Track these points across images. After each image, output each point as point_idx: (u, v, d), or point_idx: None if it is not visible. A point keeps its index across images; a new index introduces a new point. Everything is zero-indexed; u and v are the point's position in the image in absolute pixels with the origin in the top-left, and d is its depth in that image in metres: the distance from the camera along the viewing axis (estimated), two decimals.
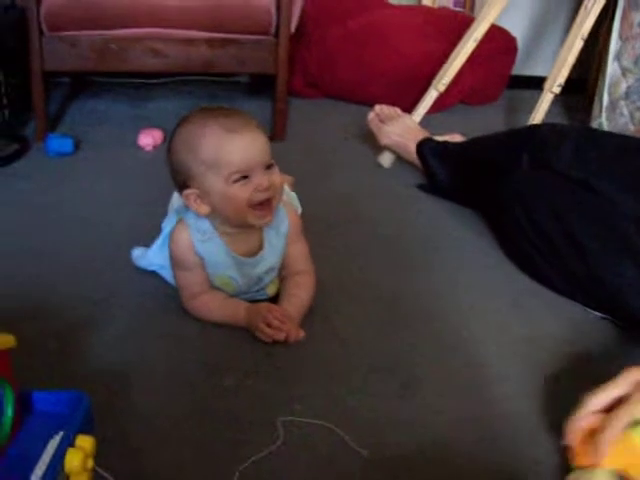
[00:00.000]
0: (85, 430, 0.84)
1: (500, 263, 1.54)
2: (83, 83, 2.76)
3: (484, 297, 1.40)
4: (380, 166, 2.08)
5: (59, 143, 2.05)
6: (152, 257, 1.38)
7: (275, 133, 2.23)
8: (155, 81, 2.82)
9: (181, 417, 1.02)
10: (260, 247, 1.25)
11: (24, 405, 0.87)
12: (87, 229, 1.59)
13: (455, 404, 1.08)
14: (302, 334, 1.19)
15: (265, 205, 1.16)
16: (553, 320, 1.33)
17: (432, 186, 1.89)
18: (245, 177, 1.13)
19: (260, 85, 2.77)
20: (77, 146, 2.09)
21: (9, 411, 0.81)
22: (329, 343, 1.21)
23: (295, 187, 1.63)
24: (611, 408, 0.91)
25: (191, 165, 1.15)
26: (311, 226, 1.43)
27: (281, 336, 1.17)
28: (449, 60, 2.14)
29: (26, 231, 1.58)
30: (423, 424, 1.03)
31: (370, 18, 2.70)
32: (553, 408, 1.06)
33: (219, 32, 2.12)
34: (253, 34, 2.14)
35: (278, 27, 2.13)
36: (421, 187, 1.92)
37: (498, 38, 2.70)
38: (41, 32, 2.04)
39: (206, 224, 1.21)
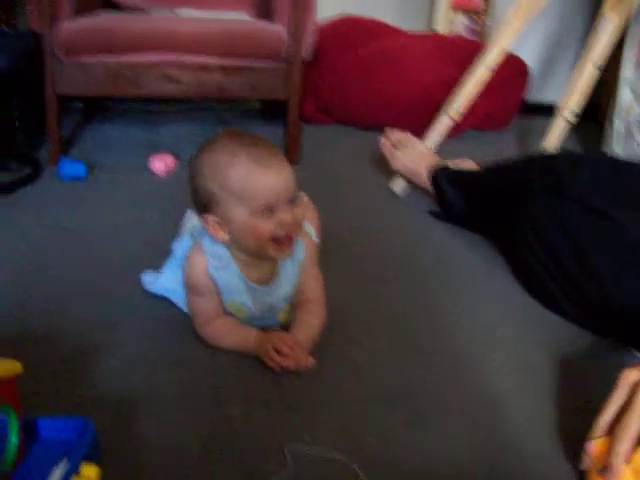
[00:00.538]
0: (91, 457, 0.83)
1: (514, 292, 1.52)
2: (96, 108, 2.78)
3: (498, 326, 1.38)
4: (392, 192, 2.07)
5: (72, 168, 2.06)
6: (164, 281, 1.37)
7: (287, 159, 2.23)
8: (168, 107, 2.83)
9: (190, 445, 1.00)
10: (275, 275, 1.24)
11: (29, 432, 0.86)
12: (98, 253, 1.59)
13: (470, 435, 1.06)
14: (312, 362, 1.17)
15: (286, 239, 1.16)
16: (567, 349, 1.31)
17: (444, 212, 1.88)
18: (270, 210, 1.12)
19: (272, 111, 2.77)
20: (90, 171, 2.10)
21: (14, 438, 0.80)
22: (341, 372, 1.20)
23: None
24: (617, 418, 0.90)
25: (215, 192, 1.14)
26: (322, 253, 1.42)
27: (291, 363, 1.15)
28: (461, 87, 2.13)
29: (37, 255, 1.58)
30: (436, 455, 1.01)
31: (382, 45, 2.72)
32: (569, 435, 1.04)
33: (232, 58, 2.14)
34: (266, 60, 2.16)
35: (291, 54, 2.14)
36: (433, 213, 1.91)
37: (509, 64, 2.70)
38: (56, 57, 2.06)
39: (222, 250, 1.20)
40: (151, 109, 2.81)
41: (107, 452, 0.92)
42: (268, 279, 1.24)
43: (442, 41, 2.82)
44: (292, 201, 1.14)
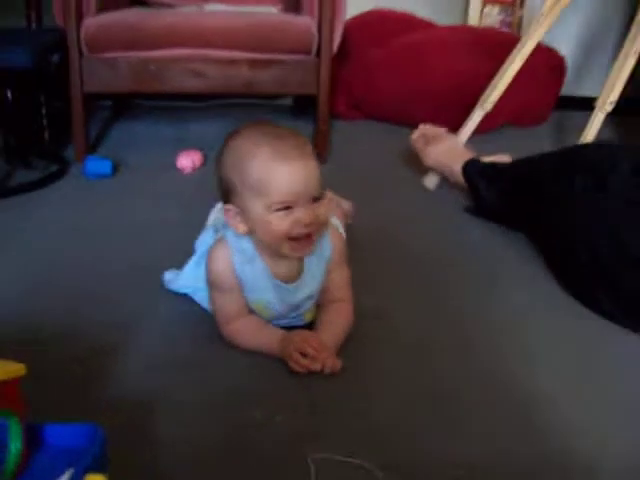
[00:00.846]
0: (99, 465, 0.78)
1: (550, 288, 1.46)
2: (125, 106, 2.76)
3: (533, 325, 1.32)
4: (424, 188, 2.02)
5: (98, 165, 2.05)
6: (185, 278, 1.33)
7: (317, 155, 2.18)
8: (196, 104, 2.81)
9: (209, 452, 0.95)
10: (300, 272, 1.19)
11: (34, 438, 0.82)
12: (120, 252, 1.57)
13: (500, 439, 1.00)
14: (339, 365, 1.12)
15: (305, 238, 1.10)
16: (609, 352, 1.25)
17: (478, 208, 1.82)
18: (288, 207, 1.07)
19: (303, 107, 2.73)
20: (116, 168, 2.08)
21: (13, 447, 0.76)
22: (368, 374, 1.14)
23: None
24: None
25: (236, 183, 1.10)
26: (349, 249, 1.37)
27: (316, 366, 1.10)
28: (495, 79, 2.07)
29: (59, 252, 1.56)
30: (464, 463, 0.95)
31: (414, 38, 2.66)
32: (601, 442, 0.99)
33: (260, 52, 2.10)
34: (294, 54, 2.11)
35: (320, 47, 2.09)
36: (467, 209, 1.85)
37: (546, 57, 2.64)
38: (81, 54, 2.04)
39: (247, 244, 1.16)
40: (180, 106, 2.79)
41: (121, 458, 0.87)
42: (294, 276, 1.19)
43: (474, 33, 2.76)
44: (314, 200, 1.08)
